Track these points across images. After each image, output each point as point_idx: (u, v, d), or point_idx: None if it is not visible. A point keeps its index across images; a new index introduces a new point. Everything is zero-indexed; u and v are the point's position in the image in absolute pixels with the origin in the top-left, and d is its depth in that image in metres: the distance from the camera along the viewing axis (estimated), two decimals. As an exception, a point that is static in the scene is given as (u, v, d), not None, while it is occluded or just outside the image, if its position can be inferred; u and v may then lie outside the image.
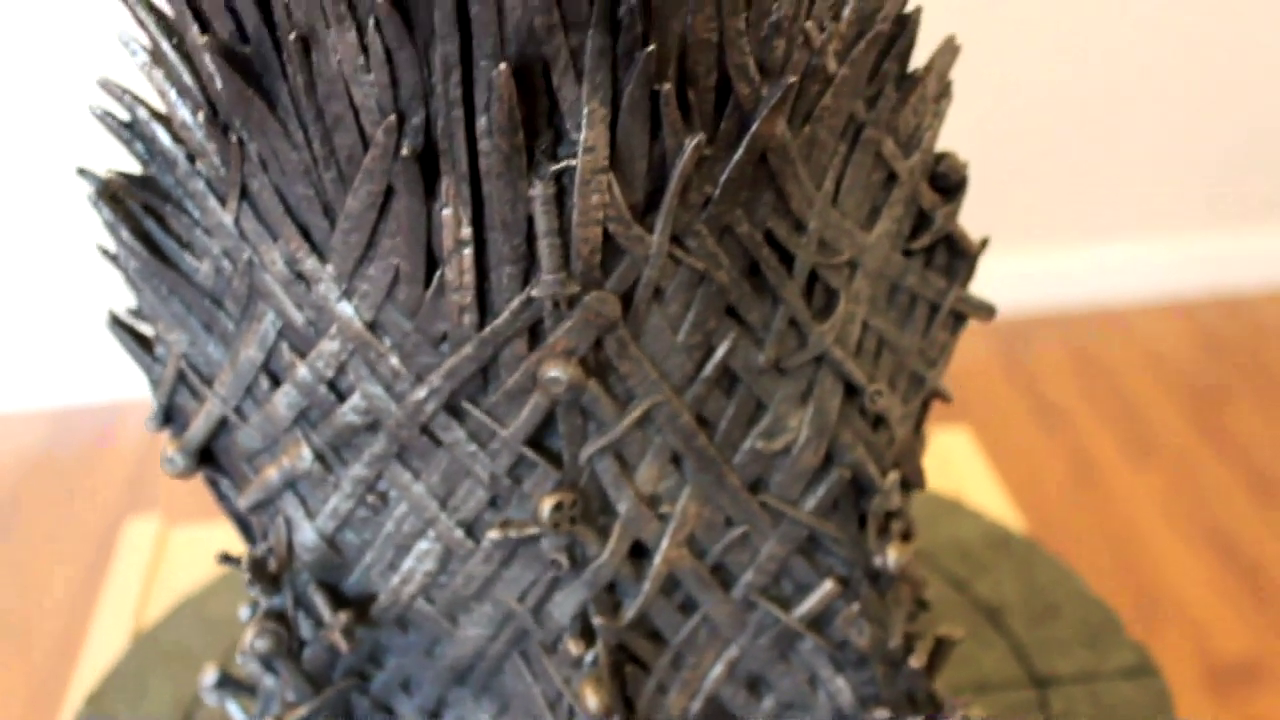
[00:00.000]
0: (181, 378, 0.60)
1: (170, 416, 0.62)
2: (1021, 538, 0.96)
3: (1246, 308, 2.37)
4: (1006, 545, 0.95)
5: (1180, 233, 2.36)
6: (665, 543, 0.59)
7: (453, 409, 0.57)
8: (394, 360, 0.56)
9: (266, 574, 0.61)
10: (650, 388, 0.56)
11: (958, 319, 0.64)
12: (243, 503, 0.61)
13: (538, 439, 0.57)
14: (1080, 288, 2.36)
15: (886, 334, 0.61)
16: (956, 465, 1.09)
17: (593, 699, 0.58)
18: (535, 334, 0.55)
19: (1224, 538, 1.85)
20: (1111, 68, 2.20)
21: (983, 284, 2.18)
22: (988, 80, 2.16)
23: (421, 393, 0.56)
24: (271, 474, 0.60)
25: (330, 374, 0.57)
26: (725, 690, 0.64)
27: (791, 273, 0.57)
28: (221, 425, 0.60)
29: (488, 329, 0.55)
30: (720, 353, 0.57)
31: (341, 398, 0.58)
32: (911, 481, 0.66)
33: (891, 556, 0.61)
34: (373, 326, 0.56)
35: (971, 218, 2.37)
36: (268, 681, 0.64)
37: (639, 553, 0.60)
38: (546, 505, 0.57)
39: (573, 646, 0.60)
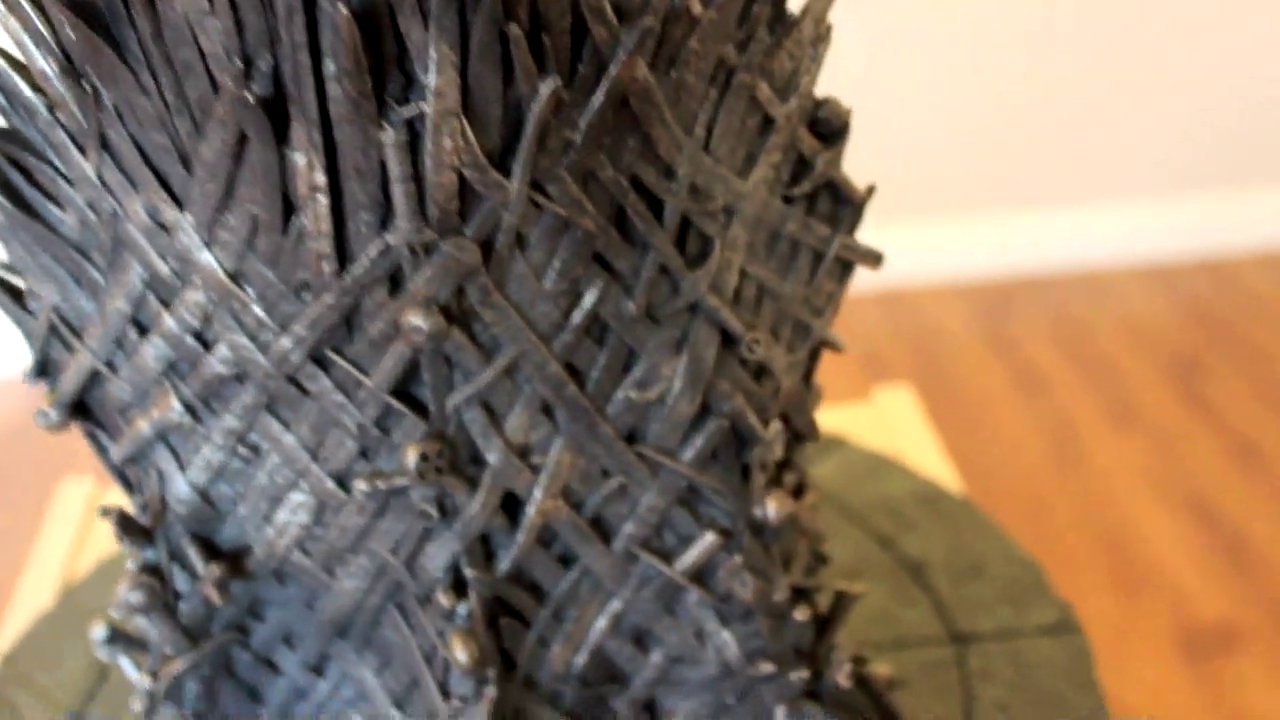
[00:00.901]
0: (54, 331, 0.60)
1: (45, 370, 0.61)
2: (954, 496, 0.95)
3: (1229, 272, 2.36)
4: (937, 503, 0.94)
5: (1162, 197, 2.35)
6: (538, 493, 0.59)
7: (318, 359, 0.56)
8: (258, 310, 0.55)
9: (135, 527, 0.60)
10: (516, 336, 0.56)
11: (845, 267, 0.63)
12: (116, 455, 0.60)
13: (405, 389, 0.57)
14: (1062, 252, 2.35)
15: (767, 282, 0.60)
16: (897, 423, 1.08)
17: (463, 652, 0.57)
18: (396, 282, 0.54)
19: (1204, 503, 1.84)
20: (1094, 31, 2.18)
21: (966, 247, 2.17)
22: (969, 42, 2.15)
23: (286, 342, 0.56)
24: (142, 426, 0.59)
25: (196, 324, 0.56)
26: (610, 644, 0.63)
27: (661, 220, 0.56)
28: (93, 378, 0.60)
29: (347, 277, 0.54)
30: (588, 301, 0.56)
31: (208, 348, 0.57)
32: (802, 433, 0.65)
33: (771, 508, 0.60)
34: (235, 276, 0.55)
35: (954, 181, 2.36)
36: (154, 635, 0.64)
37: (512, 504, 0.59)
38: (412, 455, 0.56)
39: (443, 599, 0.59)
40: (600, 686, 0.64)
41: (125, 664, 0.65)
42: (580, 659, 0.63)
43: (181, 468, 0.60)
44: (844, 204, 0.61)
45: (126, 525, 0.59)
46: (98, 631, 0.66)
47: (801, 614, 0.63)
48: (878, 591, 0.87)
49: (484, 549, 0.60)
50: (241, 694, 0.64)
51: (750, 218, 0.58)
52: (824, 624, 0.70)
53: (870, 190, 0.61)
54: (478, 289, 0.54)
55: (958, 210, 2.29)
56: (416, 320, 0.54)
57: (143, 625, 0.64)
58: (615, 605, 0.62)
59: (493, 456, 0.58)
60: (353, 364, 0.56)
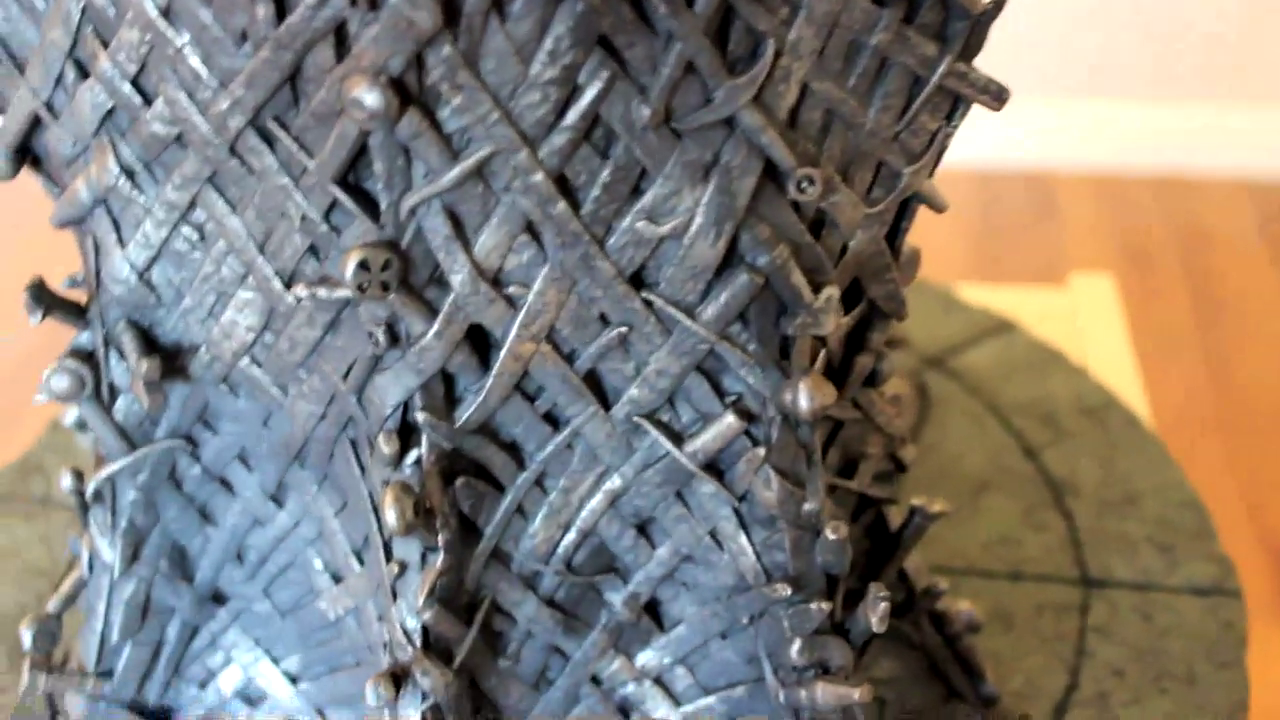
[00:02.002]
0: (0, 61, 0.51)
1: (-6, 104, 0.52)
2: (1125, 410, 0.80)
3: None
4: (1103, 416, 0.79)
5: None
6: (514, 332, 0.47)
7: (262, 132, 0.46)
8: (194, 61, 0.45)
9: (62, 302, 0.51)
10: (491, 129, 0.44)
11: (955, 102, 0.48)
12: (53, 219, 0.51)
13: (359, 183, 0.46)
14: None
15: (838, 106, 0.46)
16: (1086, 316, 0.92)
17: (393, 509, 0.47)
18: (344, 43, 0.43)
19: None
20: None
21: (1261, 140, 1.87)
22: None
23: (225, 102, 0.45)
24: (80, 187, 0.50)
25: (132, 69, 0.46)
26: (607, 528, 0.52)
27: (691, 2, 0.43)
28: (36, 123, 0.51)
29: (283, 27, 0.43)
30: (588, 96, 0.44)
31: (148, 102, 0.47)
32: (881, 307, 0.52)
33: (804, 395, 0.47)
34: (166, 12, 0.45)
35: (1257, 65, 2.06)
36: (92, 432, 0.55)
37: (485, 344, 0.48)
38: (351, 262, 0.45)
39: (384, 443, 0.49)
40: (592, 576, 0.53)
41: (65, 478, 0.57)
42: (569, 538, 0.52)
43: (120, 241, 0.50)
44: (957, 15, 0.46)
45: (43, 296, 0.50)
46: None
47: (835, 530, 0.50)
48: (1006, 508, 0.74)
49: (447, 392, 0.49)
50: (191, 513, 0.56)
51: (821, 16, 0.44)
52: (889, 545, 0.58)
53: (996, 4, 0.47)
54: (442, 63, 0.43)
55: (1257, 98, 2.03)
56: (359, 92, 0.42)
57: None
58: (614, 482, 0.51)
59: (456, 278, 0.46)
60: (297, 141, 0.45)
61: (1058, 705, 0.63)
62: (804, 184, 0.45)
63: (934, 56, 0.47)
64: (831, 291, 0.48)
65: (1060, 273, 1.40)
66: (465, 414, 0.49)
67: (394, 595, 0.51)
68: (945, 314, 0.87)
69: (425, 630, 0.51)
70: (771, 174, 0.46)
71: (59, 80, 0.49)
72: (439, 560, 0.50)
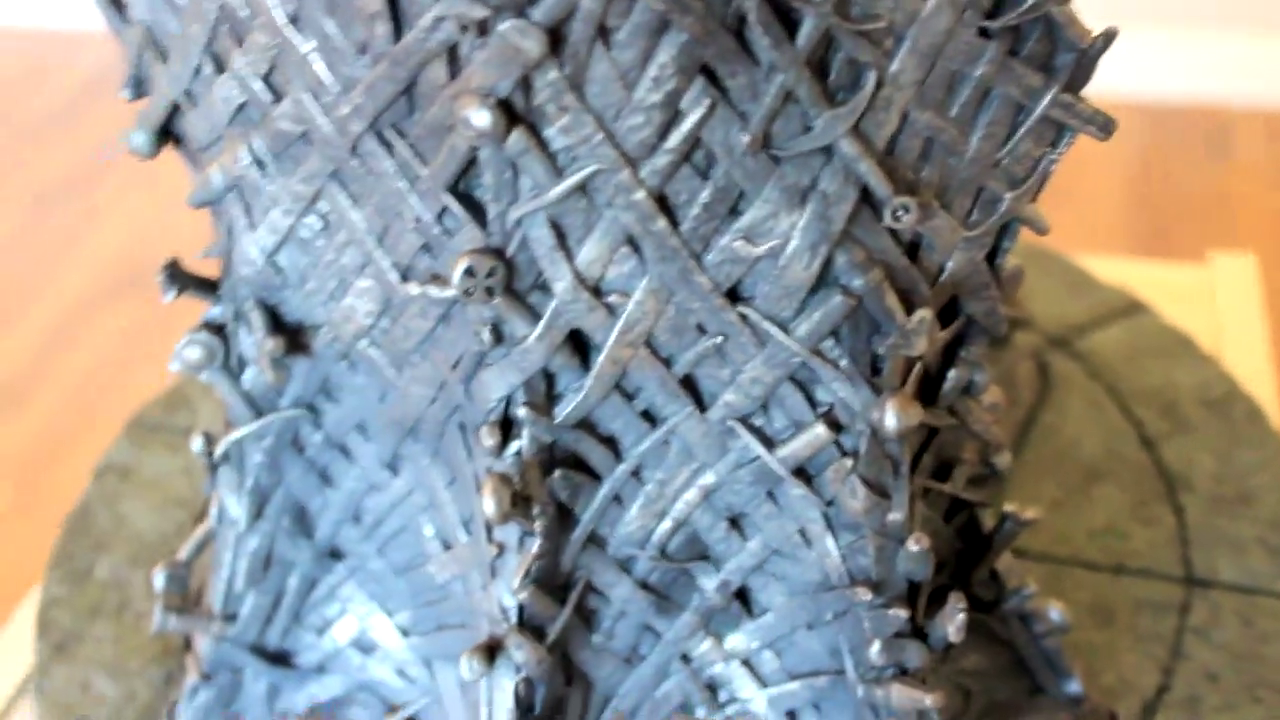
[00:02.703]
0: (145, 47, 0.54)
1: (140, 88, 0.55)
2: (1248, 401, 0.79)
3: None
4: (1227, 408, 0.78)
5: None
6: (613, 337, 0.49)
7: (380, 137, 0.48)
8: (319, 67, 0.47)
9: (197, 280, 0.55)
10: (595, 149, 0.45)
11: (1061, 130, 0.48)
12: (189, 199, 0.54)
13: (470, 192, 0.48)
14: None
15: (939, 134, 0.47)
16: (1225, 298, 0.90)
17: (491, 499, 0.49)
18: (456, 63, 0.45)
19: None
20: None
21: None
22: None
23: (346, 108, 0.48)
24: (214, 173, 0.53)
25: (263, 68, 0.49)
26: (701, 519, 0.54)
27: (794, 34, 0.44)
28: (177, 108, 0.54)
29: (399, 45, 0.45)
30: (690, 122, 0.45)
31: (276, 99, 0.50)
32: (983, 326, 0.53)
33: (890, 414, 0.49)
34: (295, 21, 0.47)
35: None
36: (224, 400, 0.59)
37: (583, 346, 0.50)
38: (458, 267, 0.48)
39: (486, 434, 0.51)
40: (685, 562, 0.55)
41: (195, 441, 0.60)
42: (664, 527, 0.54)
43: (251, 225, 0.53)
44: (1065, 48, 0.46)
45: (179, 276, 0.54)
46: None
47: (918, 542, 0.51)
48: (1117, 499, 0.74)
49: (548, 389, 0.51)
50: (312, 476, 0.59)
51: (925, 48, 0.45)
52: (981, 546, 0.59)
53: (1106, 37, 0.47)
54: (548, 86, 0.44)
55: None
56: (469, 112, 0.44)
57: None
58: (708, 478, 0.53)
59: (559, 285, 0.48)
60: (412, 148, 0.48)
61: (1147, 705, 0.64)
62: (899, 212, 0.46)
63: (1039, 88, 0.47)
64: (924, 314, 0.48)
65: (1227, 218, 1.35)
66: (565, 411, 0.51)
67: (493, 573, 0.54)
68: (1075, 293, 0.86)
69: (521, 609, 0.53)
70: (868, 199, 0.47)
71: (197, 71, 0.51)
72: (535, 545, 0.52)
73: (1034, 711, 0.62)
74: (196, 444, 0.57)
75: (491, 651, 0.54)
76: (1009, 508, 0.57)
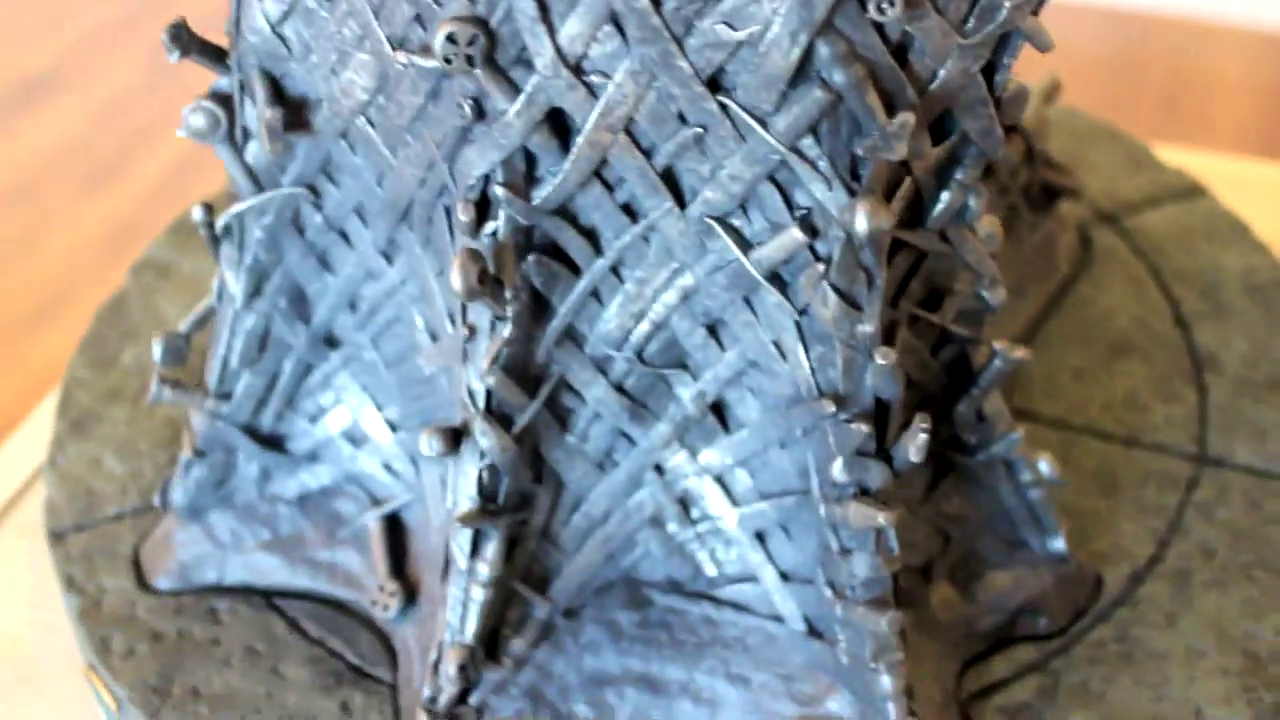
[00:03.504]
0: None
1: None
2: (1296, 293, 0.76)
3: None
4: (1267, 293, 0.76)
5: None
6: (592, 119, 0.49)
7: None
8: None
9: (205, 45, 0.55)
10: (578, -84, 0.45)
11: (1067, -64, 0.47)
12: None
13: (460, -44, 0.48)
14: None
15: (934, -73, 0.45)
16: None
17: (459, 273, 0.49)
18: None
19: None
20: None
21: None
22: None
23: None
24: (226, -64, 0.53)
25: None
26: (680, 323, 0.54)
27: None
28: None
29: None
30: (674, -108, 0.44)
31: None
32: (980, 149, 0.51)
33: (861, 215, 0.48)
34: None
35: None
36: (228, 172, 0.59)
37: (565, 129, 0.50)
38: (440, 33, 0.47)
39: (460, 210, 0.51)
40: (662, 368, 0.55)
41: (196, 210, 0.61)
42: (641, 329, 0.54)
43: (257, -7, 0.54)
44: None
45: (183, 37, 0.54)
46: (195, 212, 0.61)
47: (884, 356, 0.50)
48: (1141, 374, 0.72)
49: (529, 172, 0.51)
50: (311, 259, 0.60)
51: None
52: (963, 382, 0.58)
53: None
54: None
55: None
56: None
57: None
58: (686, 279, 0.52)
59: (539, 60, 0.48)
60: (403, -88, 0.47)
61: (1136, 573, 0.63)
62: (884, 4, 0.45)
63: (1043, -117, 0.45)
64: (906, 117, 0.47)
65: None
66: (543, 193, 0.51)
67: (465, 357, 0.54)
68: (1134, 170, 0.84)
69: (489, 394, 0.54)
70: (855, -9, 0.46)
71: None
72: (506, 330, 0.52)
73: (1014, 565, 0.61)
74: (196, 213, 0.58)
75: (456, 435, 0.54)
76: (998, 345, 0.56)
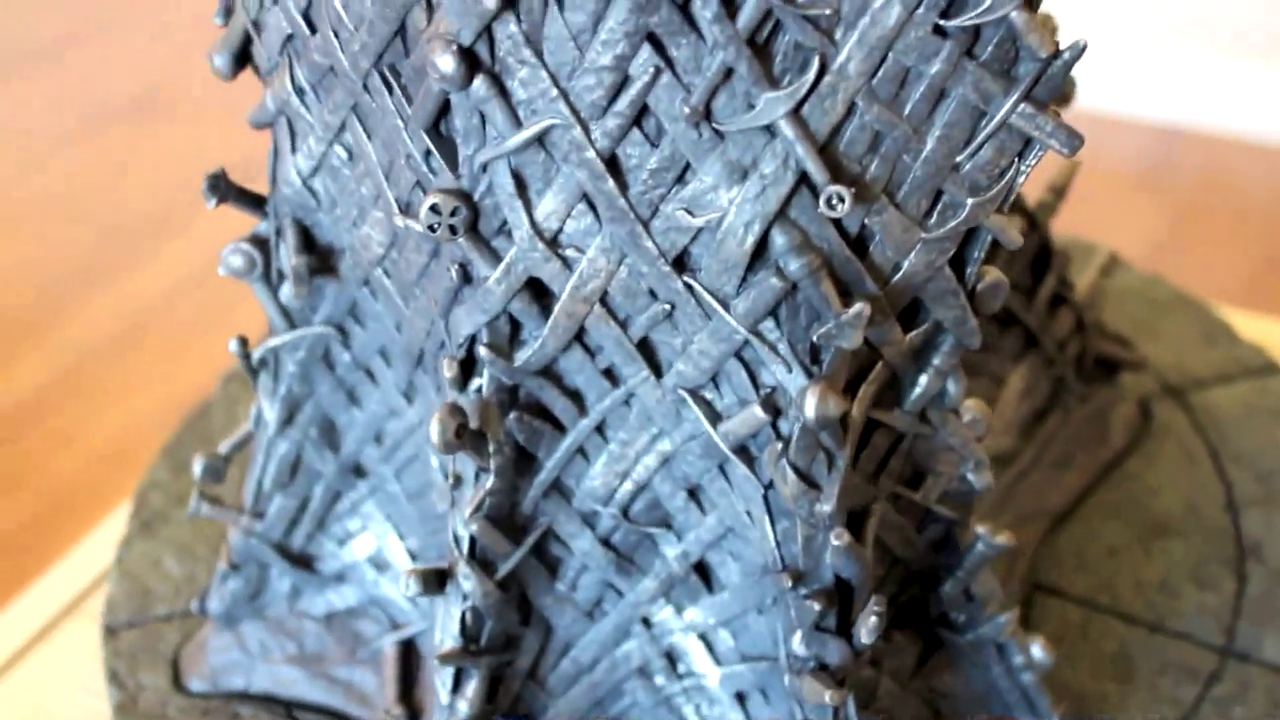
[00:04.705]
0: (229, -20, 0.59)
1: (227, 16, 0.60)
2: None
3: None
4: None
5: None
6: (568, 289, 0.51)
7: (383, 75, 0.51)
8: (337, 3, 0.51)
9: (244, 194, 0.59)
10: (552, 105, 0.48)
11: (1027, 142, 0.48)
12: (250, 119, 0.59)
13: (449, 134, 0.51)
14: None
15: (891, 130, 0.47)
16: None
17: (436, 426, 0.52)
18: (432, 9, 0.48)
19: None
20: None
21: None
22: None
23: (356, 45, 0.51)
24: (268, 97, 0.58)
25: (303, 4, 0.53)
26: (662, 486, 0.56)
27: (733, 12, 0.45)
28: (247, 38, 0.58)
29: (384, -15, 0.48)
30: (637, 86, 0.47)
31: (315, 32, 0.54)
32: (956, 337, 0.52)
33: (810, 403, 0.49)
34: None
35: None
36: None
37: (545, 294, 0.52)
38: (425, 203, 0.51)
39: (445, 366, 0.54)
40: (649, 527, 0.57)
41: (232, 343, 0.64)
42: (625, 488, 0.56)
43: (294, 150, 0.58)
44: (1026, 57, 0.46)
45: (220, 186, 0.58)
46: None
47: (838, 537, 0.51)
48: (1180, 557, 0.72)
49: (514, 334, 0.53)
50: (340, 393, 0.63)
51: (874, 40, 0.45)
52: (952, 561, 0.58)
53: (1074, 49, 0.46)
54: (508, 39, 0.47)
55: None
56: (435, 56, 0.47)
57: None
58: (665, 445, 0.54)
59: (517, 233, 0.51)
60: (403, 90, 0.51)
61: (1137, 766, 0.62)
62: (834, 200, 0.47)
63: (998, 94, 0.46)
64: (861, 308, 0.48)
65: None
66: (524, 356, 0.53)
67: (452, 504, 0.57)
68: (1208, 344, 0.83)
69: (472, 540, 0.56)
70: (810, 185, 0.47)
71: (261, 3, 0.56)
72: (488, 481, 0.55)
73: (1003, 743, 0.60)
74: (233, 345, 0.62)
75: (440, 577, 0.57)
76: (980, 529, 0.56)
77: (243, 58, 0.60)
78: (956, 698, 0.60)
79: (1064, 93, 0.69)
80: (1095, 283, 0.75)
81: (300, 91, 0.56)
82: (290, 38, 0.55)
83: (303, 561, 0.67)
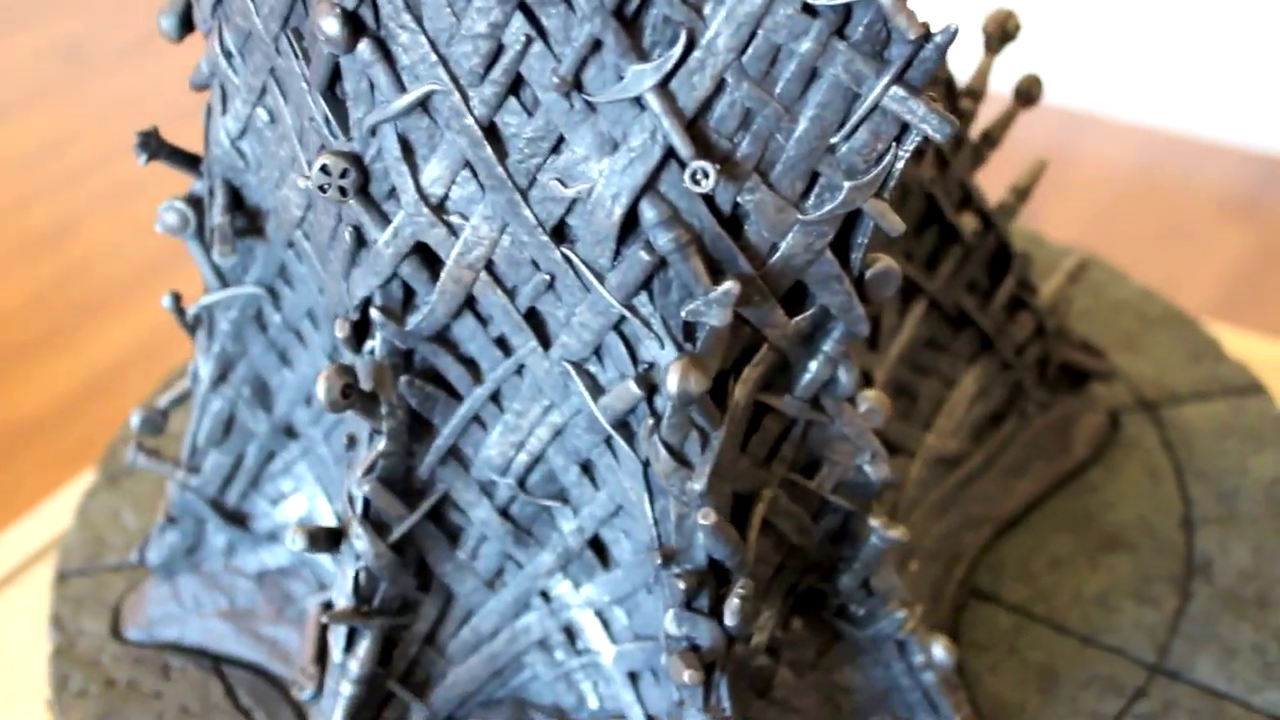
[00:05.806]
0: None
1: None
2: None
3: None
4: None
5: None
6: (453, 256, 0.51)
7: (289, 39, 0.52)
8: None
9: (178, 153, 0.61)
10: (432, 71, 0.48)
11: (905, 127, 0.47)
12: (190, 80, 0.61)
13: (345, 98, 0.52)
14: None
15: (762, 109, 0.46)
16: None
17: (322, 385, 0.53)
18: (325, -28, 0.49)
19: None
20: None
21: None
22: None
23: (265, 8, 0.52)
24: (203, 59, 0.59)
25: None
26: (555, 459, 0.56)
27: (598, -20, 0.45)
28: (189, 2, 0.60)
29: (279, -50, 0.49)
30: (509, 55, 0.47)
31: None
32: (845, 324, 0.51)
33: (672, 378, 0.48)
34: None
35: None
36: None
37: (436, 261, 0.53)
38: (315, 164, 0.51)
39: (337, 327, 0.54)
40: (545, 500, 0.57)
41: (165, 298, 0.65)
42: (521, 459, 0.56)
43: (224, 111, 0.59)
44: (898, 39, 0.45)
45: (151, 143, 0.60)
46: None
47: (705, 517, 0.51)
48: (1124, 572, 0.70)
49: (408, 298, 0.54)
50: (272, 354, 0.64)
51: (743, 16, 0.45)
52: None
53: (946, 33, 0.45)
54: (389, 3, 0.47)
55: None
56: (321, 19, 0.48)
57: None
58: (555, 417, 0.54)
59: (404, 197, 0.51)
60: (304, 53, 0.52)
61: (1043, 777, 0.60)
62: (698, 175, 0.46)
63: (869, 75, 0.46)
64: (730, 285, 0.48)
65: None
66: (415, 320, 0.54)
67: (348, 464, 0.57)
68: (1192, 360, 0.80)
69: (366, 502, 0.57)
70: (680, 160, 0.47)
71: None
72: (381, 443, 0.55)
73: (902, 745, 0.60)
74: (165, 301, 0.64)
75: (334, 535, 0.57)
76: (874, 521, 0.56)
77: (188, 20, 0.61)
78: (857, 693, 0.59)
79: (1030, 94, 0.68)
80: (1061, 288, 0.74)
81: (228, 54, 0.57)
82: (219, 1, 0.56)
83: (237, 519, 0.68)
